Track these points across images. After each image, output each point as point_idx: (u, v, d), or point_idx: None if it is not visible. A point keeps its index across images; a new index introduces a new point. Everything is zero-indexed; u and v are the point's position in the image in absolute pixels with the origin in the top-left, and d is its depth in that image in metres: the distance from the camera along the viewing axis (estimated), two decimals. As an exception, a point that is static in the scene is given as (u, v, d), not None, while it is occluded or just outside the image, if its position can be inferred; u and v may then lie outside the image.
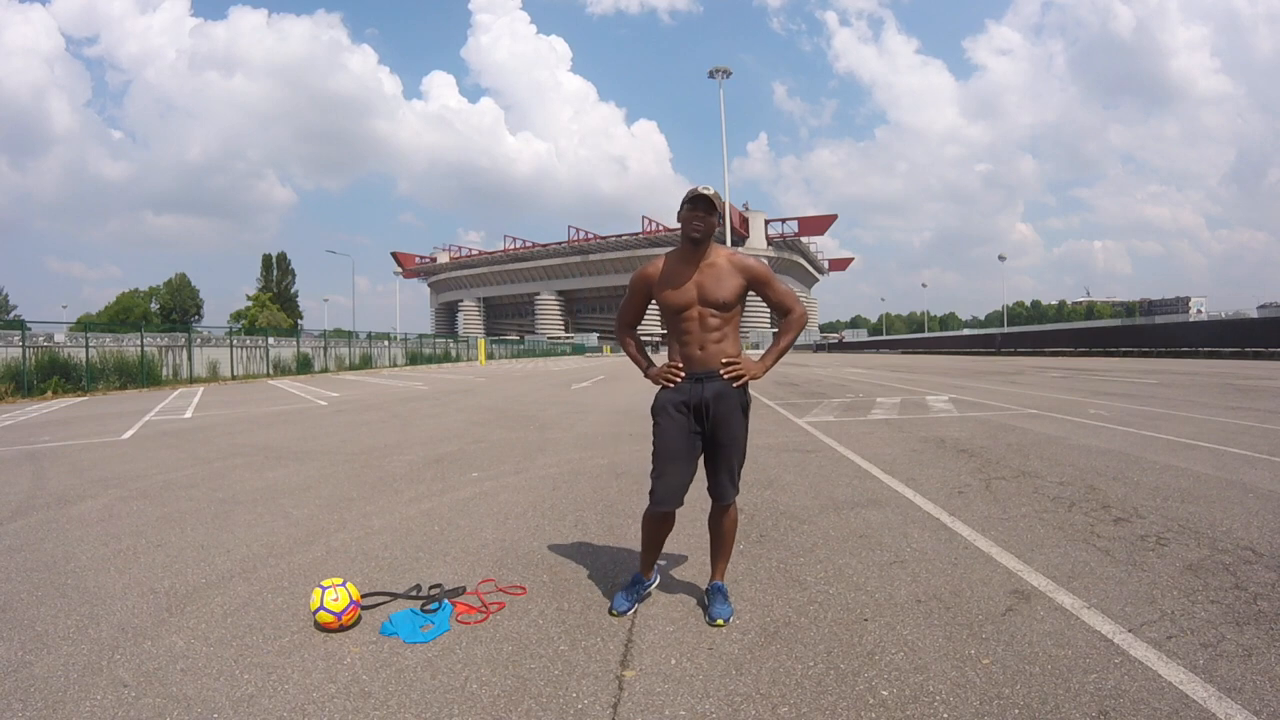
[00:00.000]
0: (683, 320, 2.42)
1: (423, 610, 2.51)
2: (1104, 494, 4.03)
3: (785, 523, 3.64)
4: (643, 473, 4.36)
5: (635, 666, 2.11)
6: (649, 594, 2.66)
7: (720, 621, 2.39)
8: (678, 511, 2.52)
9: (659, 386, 2.49)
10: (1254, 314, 34.96)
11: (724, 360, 2.40)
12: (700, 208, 2.35)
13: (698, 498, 4.32)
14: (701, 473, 2.53)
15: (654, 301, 2.51)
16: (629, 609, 2.51)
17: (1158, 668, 1.97)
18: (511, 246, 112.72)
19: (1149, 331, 28.84)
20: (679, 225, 2.43)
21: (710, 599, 2.51)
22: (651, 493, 2.46)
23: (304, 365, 29.97)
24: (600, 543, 3.40)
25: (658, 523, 2.52)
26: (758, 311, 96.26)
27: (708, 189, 2.37)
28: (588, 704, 1.90)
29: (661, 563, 2.88)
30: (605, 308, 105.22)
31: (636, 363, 2.63)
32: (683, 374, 2.42)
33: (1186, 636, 2.17)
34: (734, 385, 2.41)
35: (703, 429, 2.43)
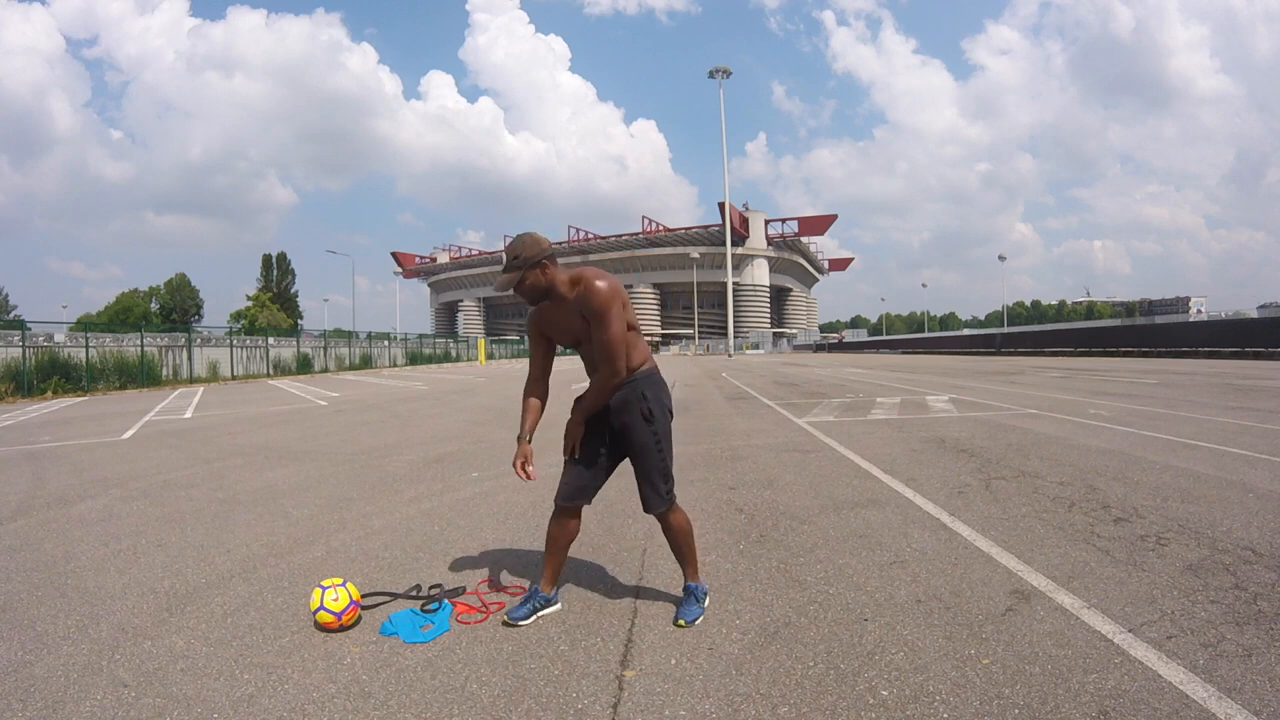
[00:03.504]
0: (579, 351, 2.47)
1: (423, 610, 2.51)
2: (1104, 494, 4.03)
3: (785, 523, 3.64)
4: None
5: (635, 666, 2.11)
6: (551, 610, 2.52)
7: (681, 623, 2.38)
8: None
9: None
10: (1254, 314, 34.99)
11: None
12: (518, 291, 2.31)
13: (701, 498, 4.31)
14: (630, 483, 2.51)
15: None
16: (525, 617, 2.43)
17: (1158, 668, 1.97)
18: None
19: (1149, 331, 28.80)
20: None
21: (683, 598, 2.52)
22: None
23: (304, 365, 29.98)
24: (600, 542, 3.40)
25: (554, 524, 2.48)
26: (758, 312, 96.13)
27: (499, 277, 2.29)
28: (588, 704, 1.90)
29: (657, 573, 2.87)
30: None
31: (520, 426, 2.52)
32: (531, 476, 2.44)
33: (1186, 636, 2.17)
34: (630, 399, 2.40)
35: (610, 438, 2.46)
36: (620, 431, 2.42)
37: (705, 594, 2.53)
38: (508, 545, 3.39)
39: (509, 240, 2.29)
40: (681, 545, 2.51)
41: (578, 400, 2.46)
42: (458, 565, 3.10)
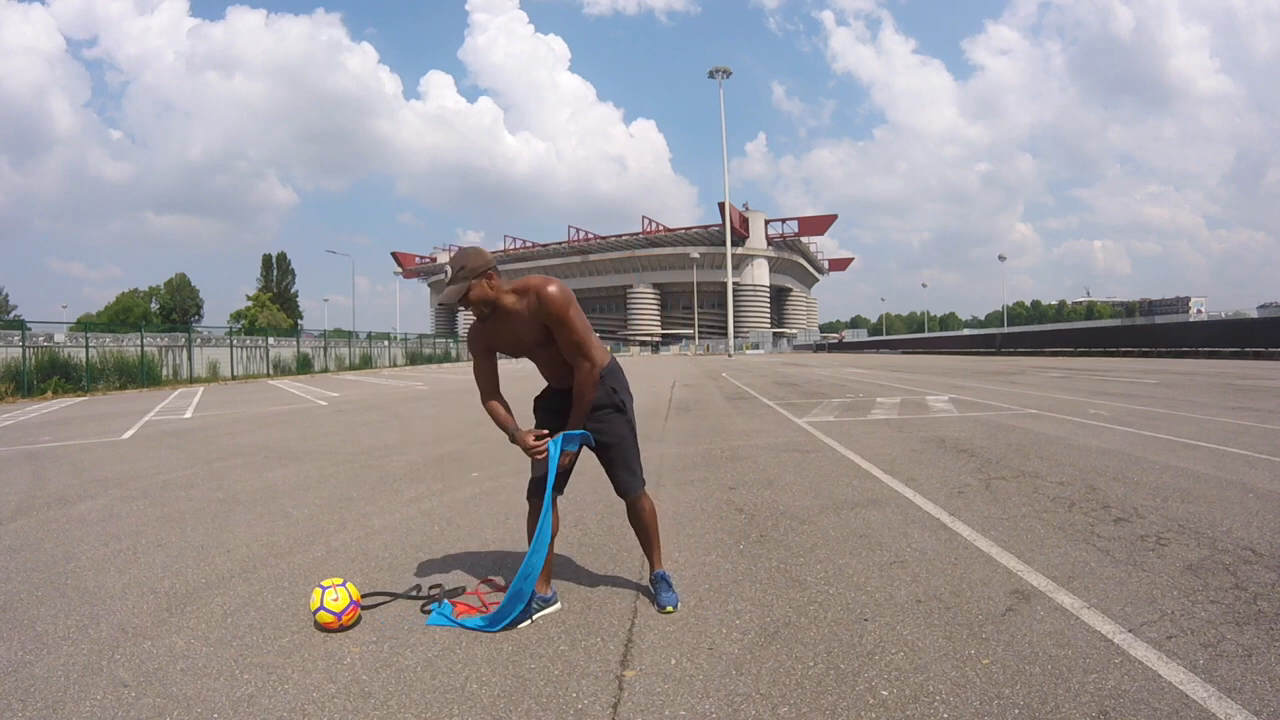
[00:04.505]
0: (531, 358, 2.50)
1: (423, 611, 2.52)
2: (1104, 494, 4.03)
3: (785, 523, 3.64)
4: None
5: (635, 666, 2.11)
6: (551, 610, 2.53)
7: (669, 609, 2.47)
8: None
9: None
10: (1254, 314, 34.95)
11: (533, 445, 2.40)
12: (464, 304, 2.31)
13: (701, 498, 4.31)
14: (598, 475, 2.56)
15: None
16: (522, 620, 2.42)
17: (1158, 668, 1.97)
18: (511, 246, 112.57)
19: (1149, 331, 28.77)
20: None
21: (655, 588, 2.59)
22: None
23: (304, 365, 30.00)
24: (599, 542, 3.40)
25: (533, 521, 2.51)
26: (758, 312, 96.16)
27: (445, 286, 2.30)
28: (588, 704, 1.90)
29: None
30: (605, 308, 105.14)
31: (504, 428, 2.48)
32: (543, 449, 2.40)
33: (1186, 636, 2.17)
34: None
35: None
36: (596, 430, 2.50)
37: (668, 575, 2.63)
38: (508, 545, 3.39)
39: (453, 252, 2.30)
40: (650, 529, 2.62)
41: (538, 400, 2.57)
42: (458, 565, 3.10)
